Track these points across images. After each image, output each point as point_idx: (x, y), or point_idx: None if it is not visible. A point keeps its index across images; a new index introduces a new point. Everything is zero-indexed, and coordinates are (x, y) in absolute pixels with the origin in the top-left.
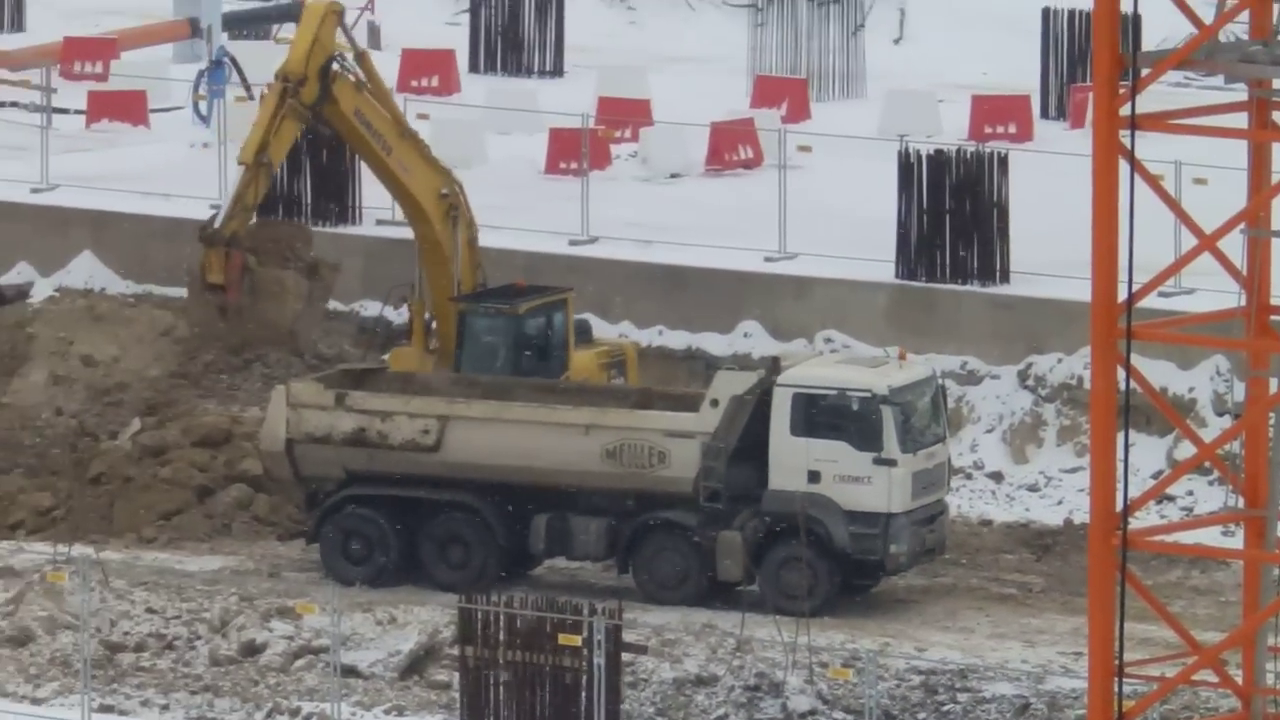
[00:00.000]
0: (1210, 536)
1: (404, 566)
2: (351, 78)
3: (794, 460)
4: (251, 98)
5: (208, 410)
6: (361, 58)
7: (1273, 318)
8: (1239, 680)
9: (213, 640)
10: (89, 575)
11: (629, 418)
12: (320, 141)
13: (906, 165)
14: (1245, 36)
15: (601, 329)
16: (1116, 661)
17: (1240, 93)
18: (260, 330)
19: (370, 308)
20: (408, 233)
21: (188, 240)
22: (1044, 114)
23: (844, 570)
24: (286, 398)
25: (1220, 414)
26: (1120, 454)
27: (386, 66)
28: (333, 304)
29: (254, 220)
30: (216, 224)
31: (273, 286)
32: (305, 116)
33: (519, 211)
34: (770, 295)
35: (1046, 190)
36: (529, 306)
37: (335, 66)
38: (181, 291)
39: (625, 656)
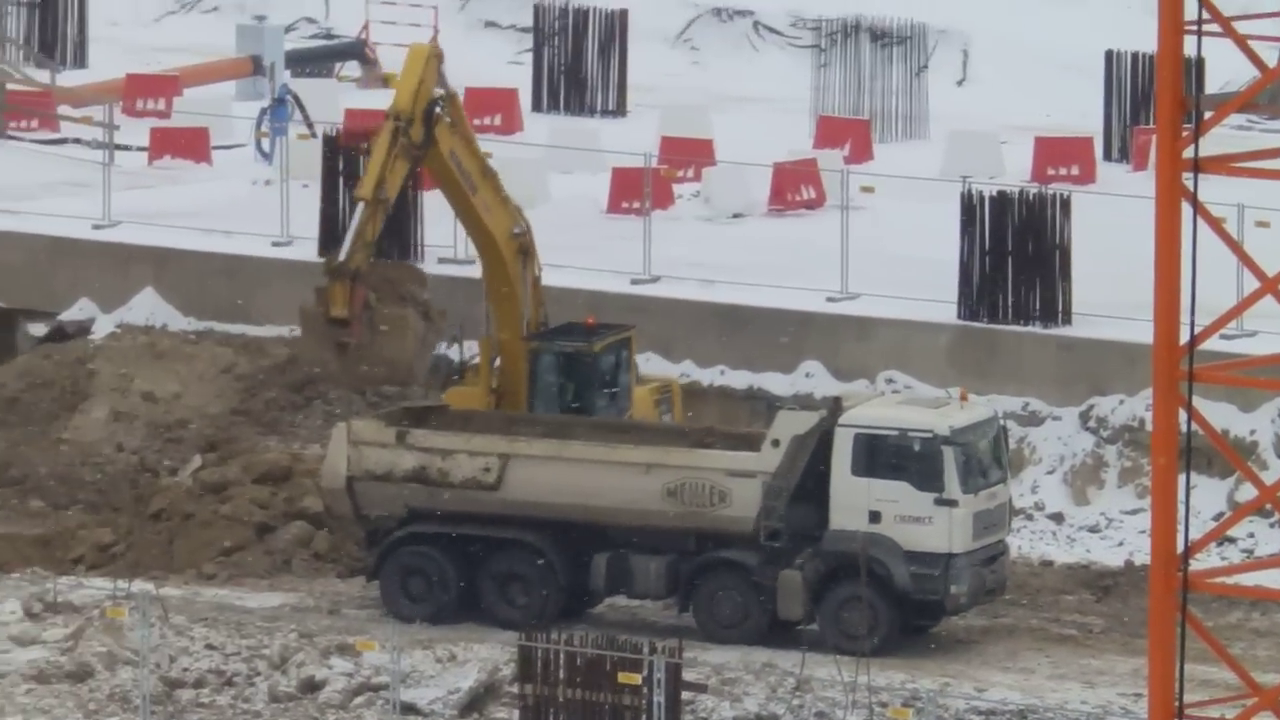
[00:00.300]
0: (1271, 579)
1: (464, 604)
2: (448, 119)
3: (855, 500)
4: (314, 135)
5: (268, 447)
6: (450, 99)
7: None
8: None
9: (272, 677)
10: (149, 611)
11: (690, 457)
12: None
13: (969, 206)
14: None
15: (663, 368)
16: (1177, 703)
17: None
18: (379, 367)
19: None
20: (469, 270)
21: (249, 278)
22: (1107, 156)
23: (904, 610)
24: (348, 435)
25: None
26: (1181, 496)
27: None
28: None
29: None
30: (341, 257)
31: (394, 324)
32: (414, 156)
33: (581, 250)
34: (832, 335)
35: (1109, 232)
36: (604, 345)
37: (437, 109)
38: (244, 329)
39: (685, 695)
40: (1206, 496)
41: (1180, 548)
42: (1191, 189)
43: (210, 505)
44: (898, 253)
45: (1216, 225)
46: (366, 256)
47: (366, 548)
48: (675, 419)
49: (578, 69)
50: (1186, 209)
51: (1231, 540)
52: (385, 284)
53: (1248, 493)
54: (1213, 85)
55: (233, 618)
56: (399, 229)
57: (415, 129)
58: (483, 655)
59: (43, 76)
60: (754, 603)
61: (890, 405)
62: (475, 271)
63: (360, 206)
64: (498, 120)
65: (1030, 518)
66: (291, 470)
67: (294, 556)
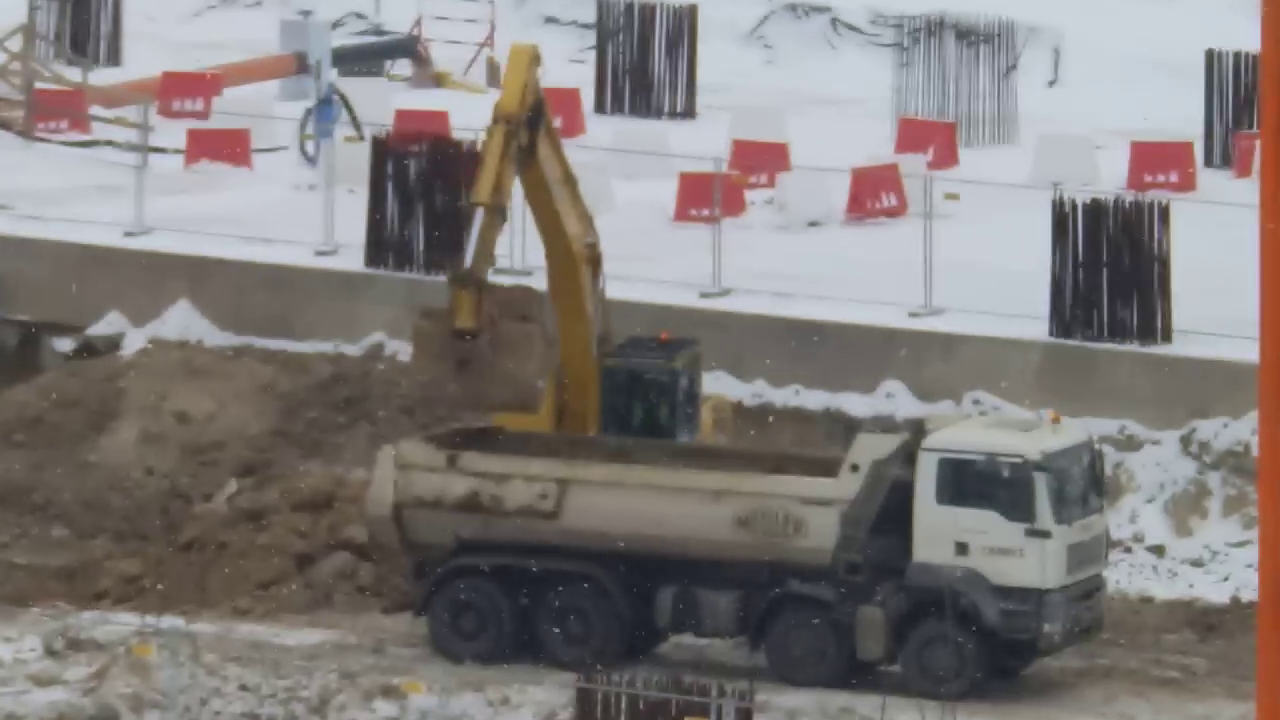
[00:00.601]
0: None
1: (519, 642)
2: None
3: (940, 531)
4: (362, 138)
5: (309, 471)
6: (542, 103)
7: None
8: None
9: None
10: (178, 649)
11: (762, 483)
12: (431, 183)
13: (1061, 216)
14: None
15: (733, 387)
16: None
17: None
18: (500, 389)
19: None
20: (524, 282)
21: (292, 289)
22: (1207, 162)
23: (993, 650)
24: (394, 459)
25: None
26: None
27: None
28: None
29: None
30: (466, 264)
31: (518, 342)
32: (522, 160)
33: (646, 261)
34: (915, 353)
35: (1210, 243)
36: (684, 362)
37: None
38: (285, 344)
39: None
40: None
41: None
42: None
43: (246, 534)
44: (985, 265)
45: None
46: (490, 265)
47: (414, 580)
48: (726, 439)
49: (643, 68)
50: None
51: None
52: (502, 304)
53: None
54: None
55: (269, 656)
56: (450, 237)
57: (523, 133)
58: (539, 698)
59: (74, 75)
60: (831, 641)
61: (977, 428)
62: (531, 283)
63: (478, 213)
64: (558, 122)
65: (1129, 550)
66: (334, 496)
67: (336, 590)
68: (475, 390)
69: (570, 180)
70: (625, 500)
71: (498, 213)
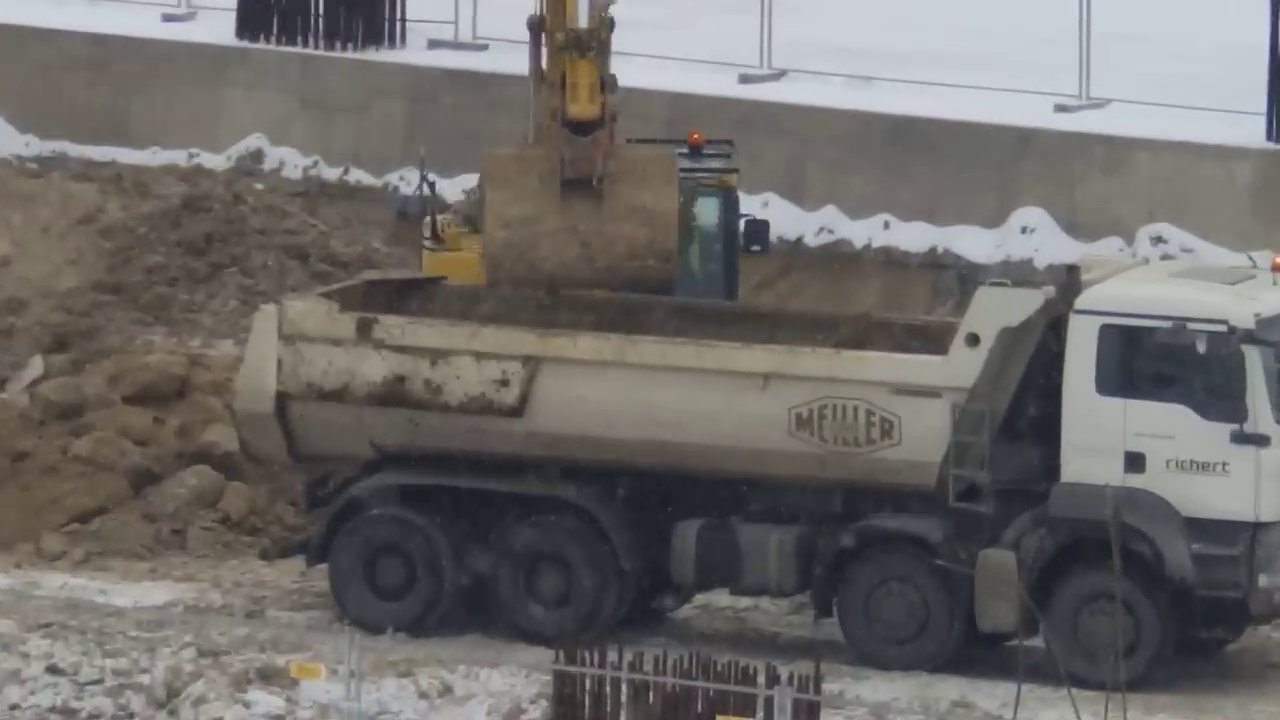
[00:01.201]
0: None
1: (466, 603)
2: None
3: (1102, 435)
4: None
5: (152, 345)
6: None
7: None
8: None
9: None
10: None
11: (834, 363)
12: None
13: None
14: None
15: (791, 216)
16: None
17: None
18: (632, 223)
19: (414, 180)
20: (475, 60)
21: (128, 72)
22: None
23: (1184, 614)
24: (279, 326)
25: None
26: None
27: None
28: (356, 176)
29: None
30: (580, 23)
31: (648, 166)
32: None
33: (664, 29)
34: (1064, 166)
35: None
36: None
37: None
38: (116, 153)
39: None
40: None
41: None
42: None
43: (57, 439)
44: (1169, 36)
45: None
46: (606, 32)
47: (308, 510)
48: None
49: None
50: None
51: None
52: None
53: None
54: None
55: (91, 623)
56: None
57: None
58: (495, 686)
59: None
60: (938, 603)
61: (1160, 280)
62: (482, 61)
63: None
64: None
65: None
66: (188, 383)
67: (191, 524)
68: (595, 227)
69: None
70: (626, 389)
71: None
